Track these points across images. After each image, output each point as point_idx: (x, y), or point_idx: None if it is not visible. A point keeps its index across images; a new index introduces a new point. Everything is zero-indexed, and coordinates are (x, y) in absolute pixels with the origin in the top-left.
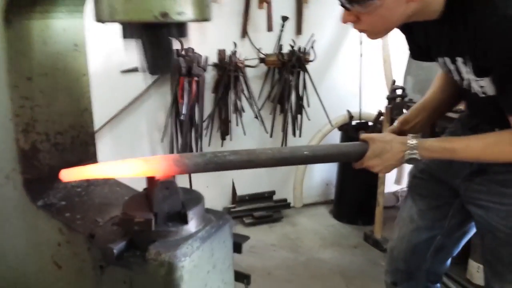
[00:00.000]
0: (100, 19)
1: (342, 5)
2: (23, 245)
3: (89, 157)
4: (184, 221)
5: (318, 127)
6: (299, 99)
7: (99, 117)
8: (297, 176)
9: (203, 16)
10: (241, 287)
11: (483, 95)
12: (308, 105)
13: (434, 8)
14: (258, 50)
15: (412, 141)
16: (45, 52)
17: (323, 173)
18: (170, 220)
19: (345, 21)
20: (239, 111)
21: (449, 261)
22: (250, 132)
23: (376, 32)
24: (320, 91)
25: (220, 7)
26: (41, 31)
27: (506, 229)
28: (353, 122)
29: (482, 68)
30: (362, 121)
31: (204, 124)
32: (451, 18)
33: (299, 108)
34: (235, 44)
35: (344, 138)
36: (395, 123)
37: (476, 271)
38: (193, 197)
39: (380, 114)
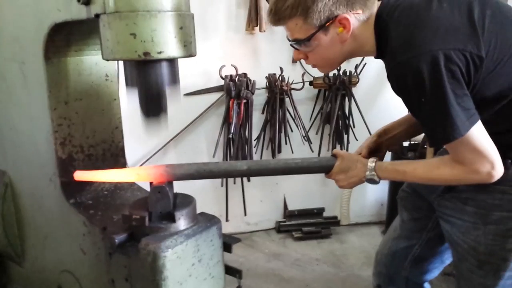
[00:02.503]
0: (104, 57)
1: (292, 46)
2: (60, 234)
3: (119, 166)
4: (172, 219)
5: None
6: (346, 118)
7: (165, 135)
8: (343, 194)
9: (184, 53)
10: (234, 281)
11: None
12: (354, 126)
13: (369, 48)
14: (306, 71)
15: (372, 163)
16: (80, 81)
17: (377, 193)
18: (163, 219)
19: (296, 58)
20: (285, 131)
21: (435, 273)
22: (299, 151)
23: (323, 66)
24: (371, 112)
25: (273, 35)
26: (76, 65)
27: (464, 244)
28: (405, 143)
29: None
30: (412, 142)
31: (254, 143)
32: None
33: (346, 128)
34: (281, 69)
35: (394, 158)
36: (373, 135)
37: None
38: (186, 201)
39: None
